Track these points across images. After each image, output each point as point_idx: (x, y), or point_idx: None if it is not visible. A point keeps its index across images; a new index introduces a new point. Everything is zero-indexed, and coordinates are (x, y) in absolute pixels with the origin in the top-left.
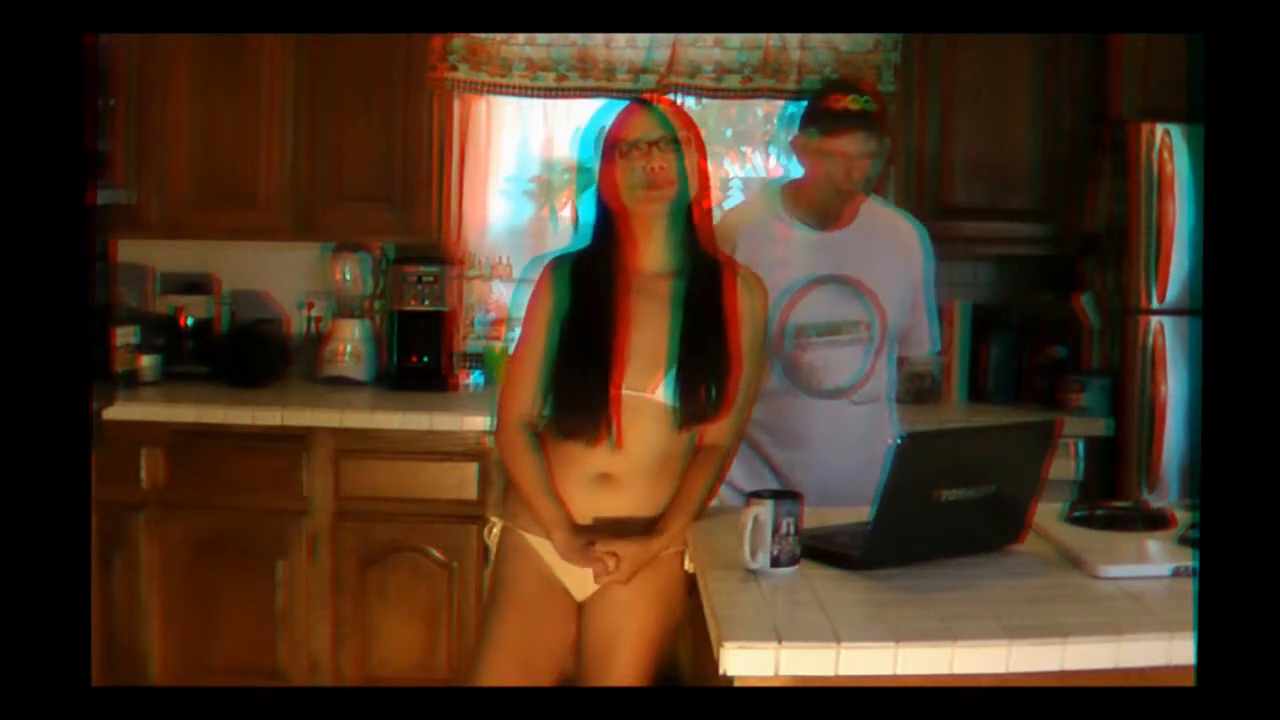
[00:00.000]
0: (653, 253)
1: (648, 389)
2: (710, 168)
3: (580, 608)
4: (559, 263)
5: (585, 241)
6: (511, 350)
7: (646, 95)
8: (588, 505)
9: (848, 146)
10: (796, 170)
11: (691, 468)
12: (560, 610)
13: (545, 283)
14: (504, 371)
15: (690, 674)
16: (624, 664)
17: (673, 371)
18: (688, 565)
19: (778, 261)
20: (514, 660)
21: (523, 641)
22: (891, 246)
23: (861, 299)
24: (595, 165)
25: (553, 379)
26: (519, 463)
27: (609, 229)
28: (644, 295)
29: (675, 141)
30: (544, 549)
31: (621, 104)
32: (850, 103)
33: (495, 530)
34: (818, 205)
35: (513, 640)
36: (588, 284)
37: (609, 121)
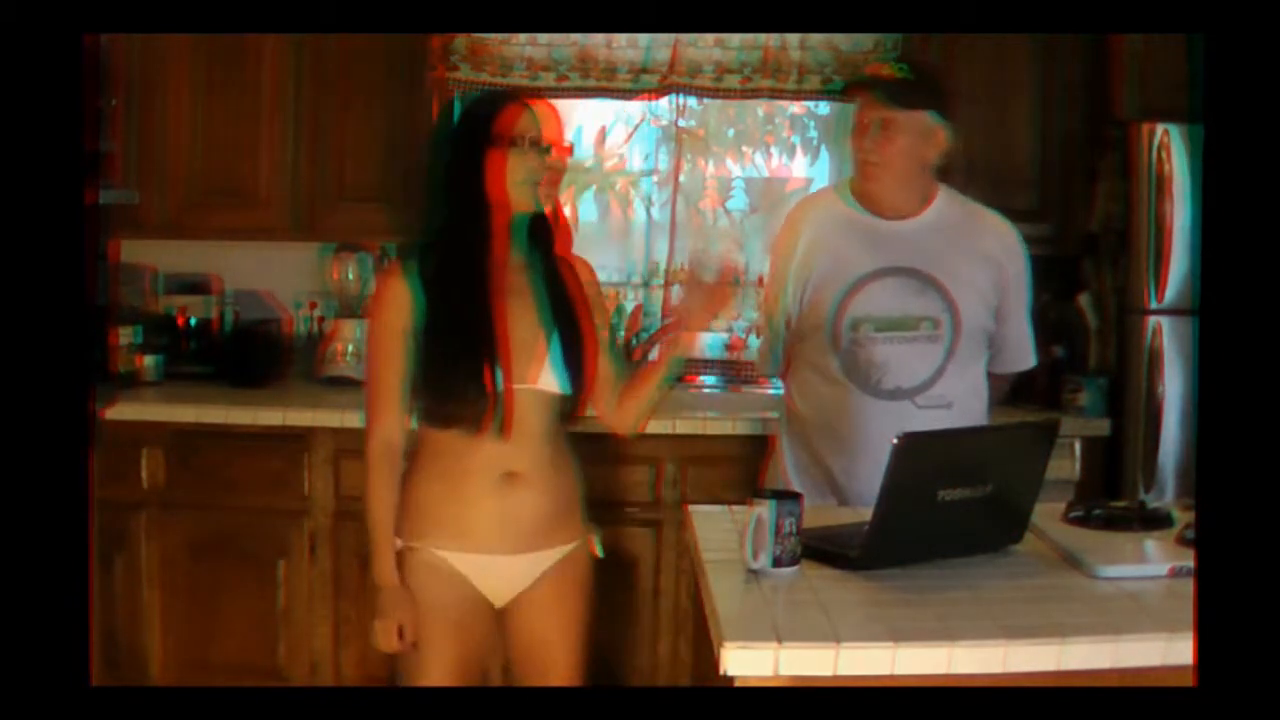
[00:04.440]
0: (511, 247)
1: (529, 380)
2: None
3: (500, 615)
4: (406, 266)
5: (435, 236)
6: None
7: (528, 98)
8: (497, 505)
9: (862, 111)
10: (822, 176)
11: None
12: (484, 621)
13: (397, 289)
14: (367, 391)
15: (670, 668)
16: (556, 663)
17: (553, 360)
18: (598, 551)
19: (842, 251)
20: (448, 680)
21: (456, 660)
22: (975, 244)
23: (933, 293)
24: (462, 155)
25: (427, 375)
26: (378, 495)
27: (473, 222)
28: (505, 289)
29: (552, 145)
30: (460, 562)
31: (500, 96)
32: (882, 70)
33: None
34: (870, 189)
35: (447, 661)
36: (448, 278)
37: (490, 113)
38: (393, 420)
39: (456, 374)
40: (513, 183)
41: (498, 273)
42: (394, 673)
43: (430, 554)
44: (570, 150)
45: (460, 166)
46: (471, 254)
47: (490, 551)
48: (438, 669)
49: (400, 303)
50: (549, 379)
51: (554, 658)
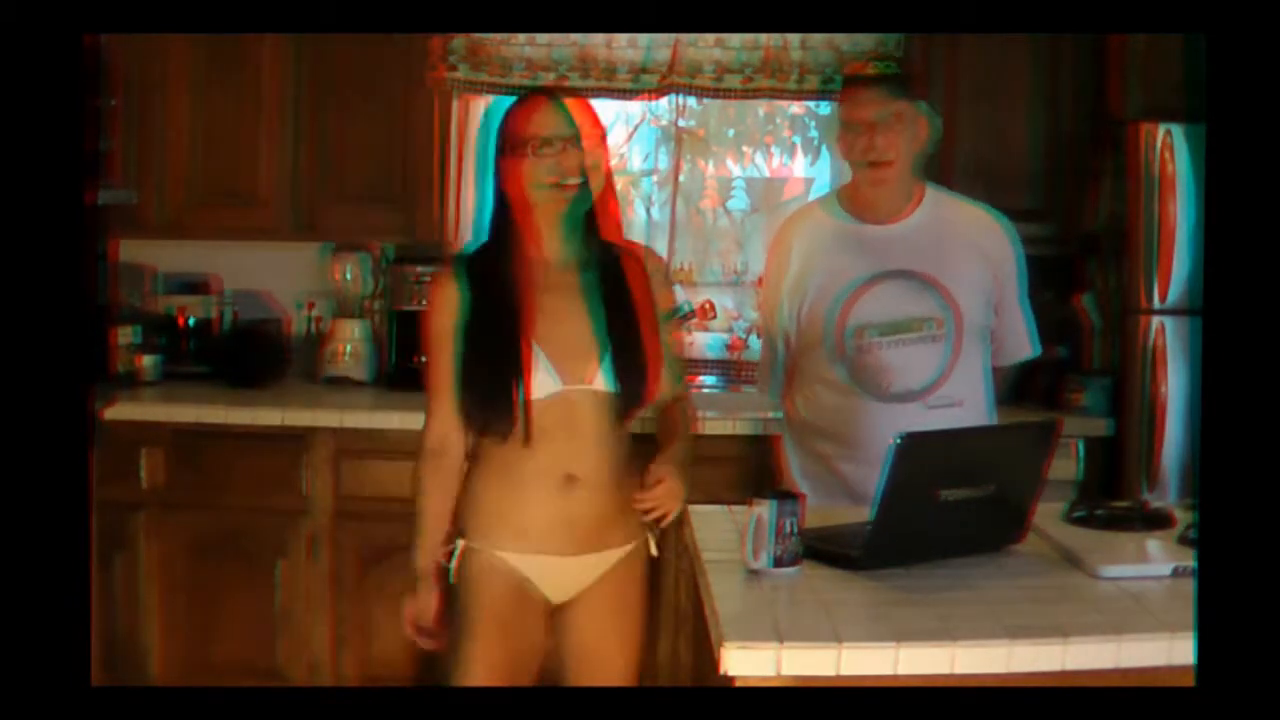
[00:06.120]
0: (557, 246)
1: (585, 380)
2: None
3: (556, 612)
4: (456, 266)
5: (483, 237)
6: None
7: (554, 89)
8: (557, 507)
9: (860, 110)
10: (823, 176)
11: (666, 422)
12: (538, 622)
13: (447, 290)
14: (425, 389)
15: (670, 668)
16: (611, 662)
17: (607, 360)
18: (652, 549)
19: (835, 262)
20: (496, 679)
21: (506, 660)
22: (966, 240)
23: (931, 294)
24: (494, 158)
25: (464, 379)
26: (425, 490)
27: (510, 223)
28: (553, 289)
29: (580, 139)
30: (520, 562)
31: (521, 97)
32: (868, 67)
33: (458, 552)
34: (862, 193)
35: (496, 660)
36: (491, 279)
37: (511, 113)
38: (446, 417)
39: (485, 383)
40: (530, 185)
41: (538, 272)
42: (443, 672)
43: (491, 555)
44: (601, 140)
45: (488, 171)
46: (504, 255)
47: (551, 553)
48: (486, 667)
49: (449, 303)
50: (604, 379)
51: (609, 656)
